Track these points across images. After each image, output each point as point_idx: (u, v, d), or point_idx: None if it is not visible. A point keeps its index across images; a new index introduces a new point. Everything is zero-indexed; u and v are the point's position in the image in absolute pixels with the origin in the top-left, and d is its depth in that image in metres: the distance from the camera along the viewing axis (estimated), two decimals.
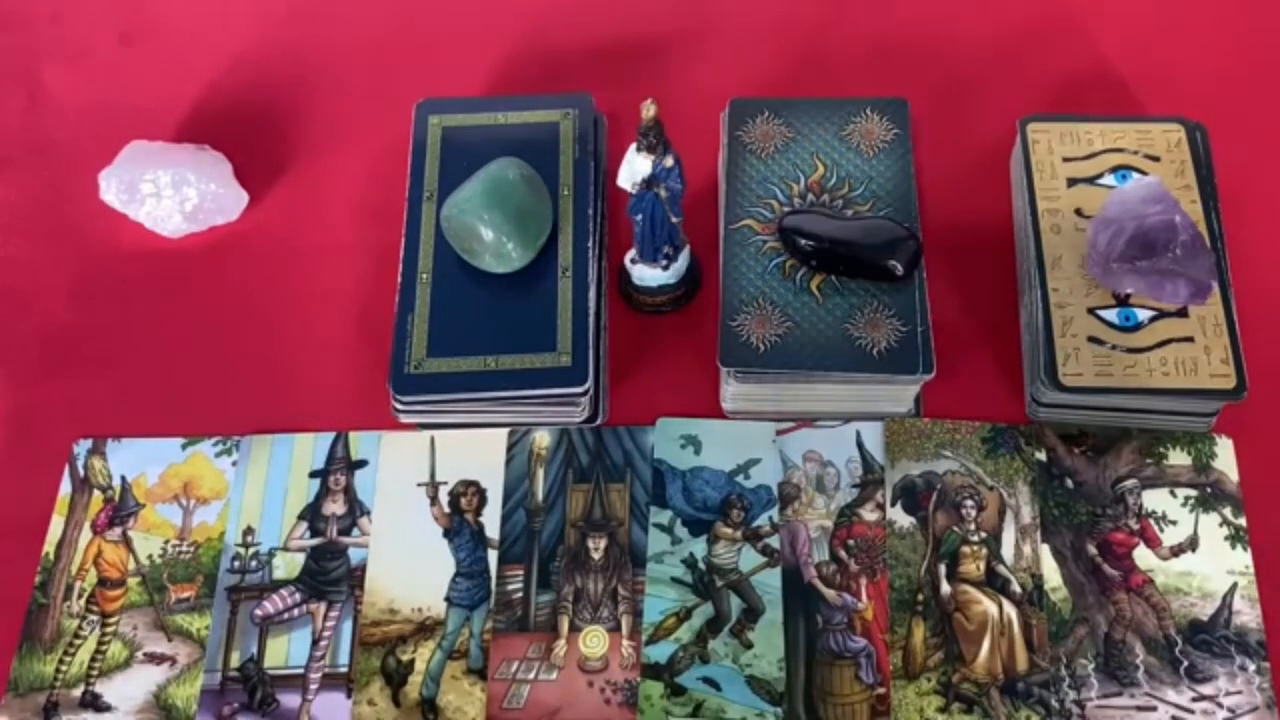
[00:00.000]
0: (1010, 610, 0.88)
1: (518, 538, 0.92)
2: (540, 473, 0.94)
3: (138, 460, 0.96)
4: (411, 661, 0.88)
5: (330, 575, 0.91)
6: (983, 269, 1.02)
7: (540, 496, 0.93)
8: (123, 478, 0.95)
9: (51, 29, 1.18)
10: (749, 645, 0.87)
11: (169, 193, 1.02)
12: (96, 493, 0.94)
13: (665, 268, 0.97)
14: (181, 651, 0.89)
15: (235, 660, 0.88)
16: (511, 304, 0.94)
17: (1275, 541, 0.90)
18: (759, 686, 0.86)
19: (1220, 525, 0.90)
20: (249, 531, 0.93)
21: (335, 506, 0.93)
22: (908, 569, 0.90)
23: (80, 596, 0.91)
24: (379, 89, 1.13)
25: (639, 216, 0.93)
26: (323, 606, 0.90)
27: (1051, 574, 0.89)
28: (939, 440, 0.94)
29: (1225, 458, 0.92)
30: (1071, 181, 0.97)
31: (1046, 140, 0.99)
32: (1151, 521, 0.91)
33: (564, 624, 0.89)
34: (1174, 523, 0.90)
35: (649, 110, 0.85)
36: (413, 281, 0.95)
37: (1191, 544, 0.90)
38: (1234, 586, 0.88)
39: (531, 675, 0.87)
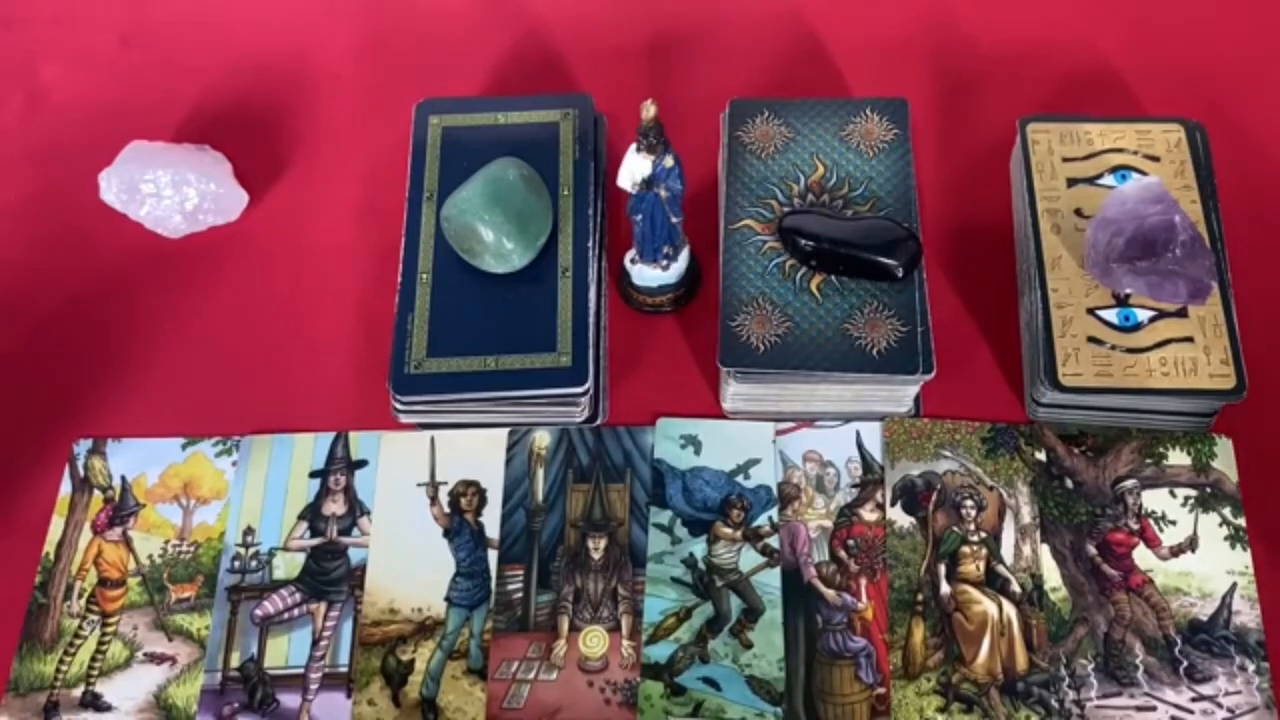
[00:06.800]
0: (1010, 610, 0.88)
1: (518, 538, 0.92)
2: (540, 473, 0.94)
3: (138, 460, 0.96)
4: (411, 661, 0.88)
5: (330, 575, 0.91)
6: (983, 269, 1.02)
7: (540, 496, 0.93)
8: (123, 478, 0.95)
9: (51, 29, 1.18)
10: (749, 645, 0.87)
11: (169, 193, 1.02)
12: (96, 493, 0.94)
13: (665, 268, 0.97)
14: (182, 651, 0.89)
15: (235, 660, 0.88)
16: (511, 304, 0.94)
17: (1275, 541, 0.90)
18: (759, 686, 0.86)
19: (1220, 525, 0.90)
20: (249, 531, 0.93)
21: (335, 506, 0.93)
22: (907, 569, 0.90)
23: (80, 596, 0.91)
24: (379, 89, 1.13)
25: (639, 216, 0.93)
26: (323, 606, 0.90)
27: (1051, 574, 0.89)
28: (939, 440, 0.94)
29: (1225, 458, 0.92)
30: (1071, 181, 0.97)
31: (1046, 140, 0.99)
32: (1151, 521, 0.91)
33: (564, 624, 0.89)
34: (1173, 523, 0.90)
35: (649, 110, 0.85)
36: (413, 281, 0.95)
37: (1191, 544, 0.90)
38: (1233, 587, 0.88)
39: (531, 675, 0.87)
